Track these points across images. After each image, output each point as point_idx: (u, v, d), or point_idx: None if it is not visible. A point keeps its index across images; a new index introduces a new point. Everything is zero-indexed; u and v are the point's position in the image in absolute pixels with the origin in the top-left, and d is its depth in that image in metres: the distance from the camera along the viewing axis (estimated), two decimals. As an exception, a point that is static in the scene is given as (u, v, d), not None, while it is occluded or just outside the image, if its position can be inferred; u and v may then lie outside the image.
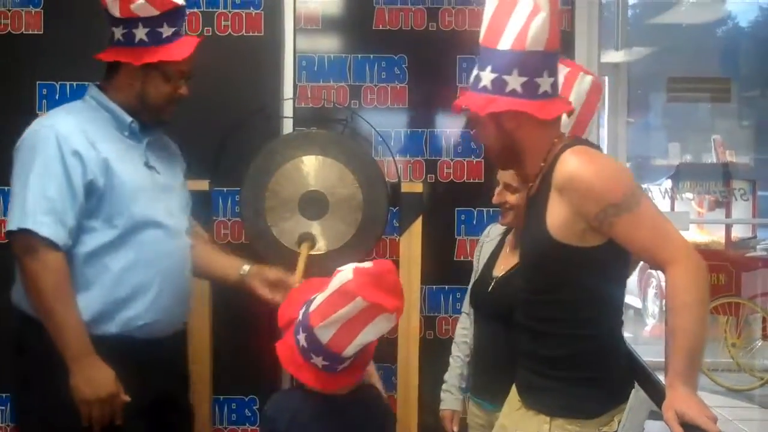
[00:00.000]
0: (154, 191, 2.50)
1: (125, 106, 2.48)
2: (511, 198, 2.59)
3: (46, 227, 2.26)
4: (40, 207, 2.27)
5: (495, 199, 2.68)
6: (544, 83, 2.04)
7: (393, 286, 2.23)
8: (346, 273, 2.23)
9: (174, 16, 2.47)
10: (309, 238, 3.01)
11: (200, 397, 3.09)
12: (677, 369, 1.85)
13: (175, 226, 2.55)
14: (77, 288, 2.35)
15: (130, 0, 2.39)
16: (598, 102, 2.63)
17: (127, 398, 2.34)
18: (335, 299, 2.22)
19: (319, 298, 2.25)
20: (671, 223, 1.93)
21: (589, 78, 2.49)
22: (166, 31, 2.46)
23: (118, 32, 2.44)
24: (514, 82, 2.01)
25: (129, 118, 2.48)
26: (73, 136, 2.34)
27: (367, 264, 2.26)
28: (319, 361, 2.27)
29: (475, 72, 2.10)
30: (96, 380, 2.30)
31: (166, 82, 2.48)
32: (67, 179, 2.31)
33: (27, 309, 2.38)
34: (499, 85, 2.03)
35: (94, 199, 2.36)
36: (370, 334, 2.23)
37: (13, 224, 2.29)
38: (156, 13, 2.41)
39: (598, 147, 2.10)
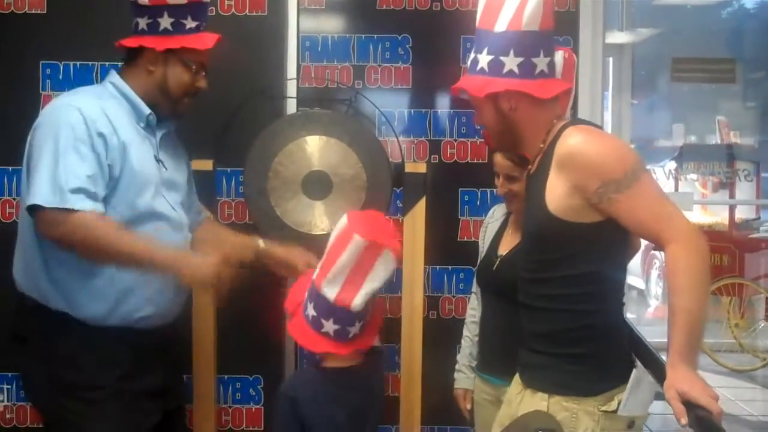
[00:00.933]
0: (160, 185, 2.51)
1: (144, 96, 2.50)
2: (515, 186, 2.61)
3: (80, 203, 2.25)
4: (73, 183, 2.25)
5: (499, 192, 2.71)
6: (541, 63, 2.05)
7: (387, 228, 2.36)
8: (341, 220, 2.34)
9: (199, 9, 2.53)
10: None
11: (205, 377, 3.11)
12: (678, 348, 1.85)
13: (177, 219, 2.57)
14: (81, 277, 2.37)
15: None
16: (572, 77, 2.61)
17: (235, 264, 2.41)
18: (335, 249, 2.31)
19: (321, 261, 2.32)
20: (673, 202, 1.93)
21: (560, 53, 2.46)
22: (190, 23, 2.51)
23: (142, 22, 2.48)
24: (511, 62, 2.02)
25: (147, 110, 2.50)
26: (99, 119, 2.35)
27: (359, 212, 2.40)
28: (330, 326, 2.33)
29: (472, 55, 2.12)
30: (200, 267, 2.36)
31: (186, 72, 2.52)
32: (96, 158, 2.31)
33: (31, 294, 2.41)
34: (496, 67, 2.04)
35: (110, 180, 2.37)
36: (375, 280, 2.29)
37: (41, 199, 2.24)
38: (183, 1, 2.46)
39: (599, 127, 2.11)
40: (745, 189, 7.01)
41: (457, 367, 2.99)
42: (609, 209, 1.93)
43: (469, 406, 2.93)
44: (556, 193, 1.98)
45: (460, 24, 3.48)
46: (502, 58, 2.02)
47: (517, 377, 2.24)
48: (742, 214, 7.13)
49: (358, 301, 2.30)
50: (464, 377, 2.96)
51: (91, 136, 2.31)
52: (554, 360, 2.08)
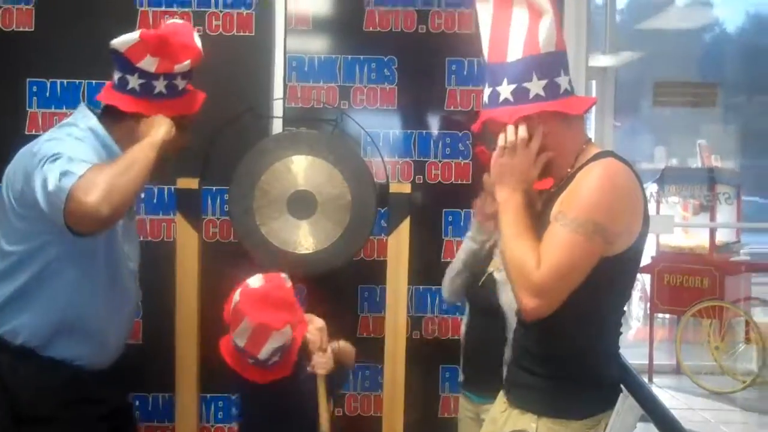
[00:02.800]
0: (114, 232, 2.50)
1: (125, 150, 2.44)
2: None
3: (78, 167, 2.21)
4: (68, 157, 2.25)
5: (488, 210, 2.64)
6: (563, 82, 2.03)
7: (281, 302, 2.49)
8: (236, 294, 2.51)
9: (191, 71, 2.54)
10: None
11: (187, 395, 3.10)
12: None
13: (131, 269, 2.61)
14: (23, 305, 2.37)
15: (175, 60, 2.45)
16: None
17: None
18: (233, 317, 2.50)
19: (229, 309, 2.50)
20: (571, 276, 1.91)
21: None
22: (181, 83, 2.53)
23: (133, 81, 2.45)
24: (536, 86, 2.00)
25: (117, 149, 2.47)
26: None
27: (257, 281, 2.53)
28: (248, 358, 2.54)
29: (488, 90, 2.08)
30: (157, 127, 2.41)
31: (180, 134, 2.52)
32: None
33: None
34: (521, 94, 2.01)
35: None
36: (273, 344, 2.48)
37: (63, 184, 2.17)
38: (188, 68, 2.48)
39: (627, 162, 2.03)
40: (725, 212, 7.07)
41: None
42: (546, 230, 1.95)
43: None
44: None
45: (445, 46, 3.51)
46: (525, 84, 2.00)
47: (501, 395, 2.25)
48: (722, 237, 7.18)
49: (264, 355, 2.49)
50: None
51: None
52: (546, 381, 2.08)
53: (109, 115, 2.51)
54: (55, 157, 2.23)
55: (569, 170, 2.05)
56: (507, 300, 2.64)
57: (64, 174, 2.18)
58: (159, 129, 2.41)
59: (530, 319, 1.97)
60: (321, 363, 2.65)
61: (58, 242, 2.34)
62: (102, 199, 2.15)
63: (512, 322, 2.59)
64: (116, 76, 2.49)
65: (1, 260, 2.38)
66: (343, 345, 2.80)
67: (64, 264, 2.38)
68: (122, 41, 2.42)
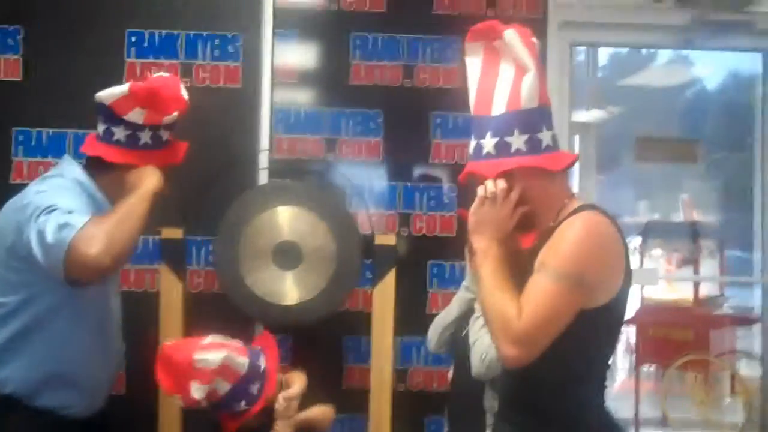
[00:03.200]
0: (104, 283, 2.50)
1: (114, 199, 2.46)
2: None
3: (76, 219, 2.22)
4: (60, 209, 2.25)
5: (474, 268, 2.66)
6: (545, 137, 2.05)
7: (174, 369, 2.48)
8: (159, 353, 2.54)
9: (175, 123, 2.58)
10: None
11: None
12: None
13: (115, 319, 2.64)
14: (13, 355, 2.37)
15: (164, 112, 2.49)
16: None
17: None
18: None
19: None
20: (551, 325, 1.91)
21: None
22: (165, 134, 2.56)
23: (119, 132, 2.48)
24: (517, 141, 2.02)
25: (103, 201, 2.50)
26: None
27: (187, 343, 2.55)
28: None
29: (473, 142, 2.10)
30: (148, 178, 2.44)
31: (165, 183, 2.52)
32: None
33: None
34: (502, 148, 2.03)
35: None
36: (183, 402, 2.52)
37: (62, 236, 2.19)
38: (175, 120, 2.52)
39: (613, 219, 2.04)
40: (709, 266, 7.09)
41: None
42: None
43: None
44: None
45: (430, 100, 3.56)
46: (507, 138, 2.02)
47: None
48: (706, 290, 7.18)
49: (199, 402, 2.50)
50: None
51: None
52: None
53: (94, 166, 2.52)
54: (49, 209, 2.24)
55: (552, 224, 2.07)
56: (475, 351, 2.64)
57: (63, 226, 2.19)
58: (150, 179, 2.44)
59: (510, 367, 1.97)
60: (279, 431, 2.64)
61: (50, 293, 2.34)
62: (103, 250, 2.18)
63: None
64: (101, 127, 2.51)
65: None
66: (317, 412, 2.76)
67: (55, 314, 2.37)
68: (109, 94, 2.45)
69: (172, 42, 3.50)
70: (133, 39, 3.49)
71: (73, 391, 2.44)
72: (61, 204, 2.27)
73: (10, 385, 2.36)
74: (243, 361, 2.54)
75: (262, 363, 2.61)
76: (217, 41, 3.51)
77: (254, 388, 2.58)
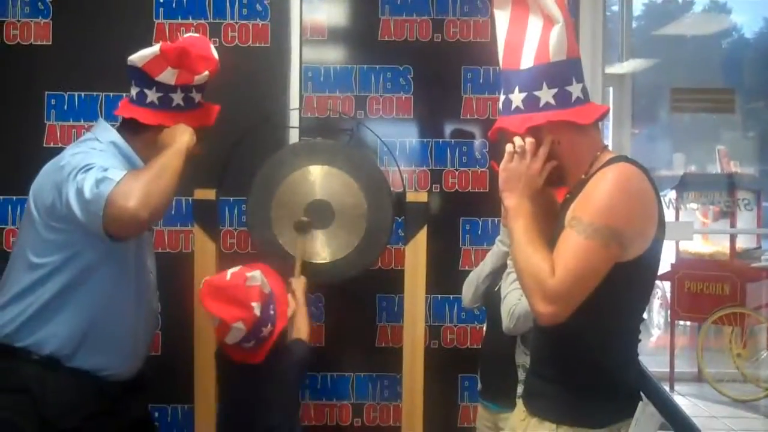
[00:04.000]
0: (141, 243, 2.58)
1: (147, 162, 2.49)
2: None
3: (113, 174, 2.29)
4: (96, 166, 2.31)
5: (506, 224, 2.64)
6: (575, 90, 2.03)
7: (236, 297, 2.58)
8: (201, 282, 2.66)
9: (205, 84, 2.61)
10: (304, 227, 3.08)
11: (206, 406, 3.10)
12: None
13: (152, 280, 2.67)
14: (52, 315, 2.40)
15: (195, 71, 2.52)
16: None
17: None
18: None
19: None
20: (585, 281, 1.89)
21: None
22: (197, 96, 2.61)
23: (152, 95, 2.53)
24: (546, 95, 2.01)
25: (139, 161, 2.54)
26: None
27: (222, 275, 2.65)
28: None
29: (502, 97, 2.09)
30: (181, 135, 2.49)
31: (196, 144, 2.56)
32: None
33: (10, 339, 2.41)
34: (531, 102, 2.02)
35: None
36: (234, 335, 2.62)
37: (101, 190, 2.24)
38: (206, 80, 2.56)
39: (646, 171, 2.00)
40: (745, 218, 7.01)
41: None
42: (560, 235, 1.94)
43: None
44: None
45: (460, 54, 3.51)
46: (535, 93, 2.01)
47: (520, 404, 2.23)
48: (743, 243, 7.11)
49: (229, 341, 2.64)
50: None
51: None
52: (564, 389, 2.06)
53: (128, 129, 2.57)
54: (87, 168, 2.30)
55: (583, 176, 2.04)
56: (504, 305, 2.64)
57: (100, 181, 2.25)
58: (182, 136, 2.49)
59: (545, 324, 1.96)
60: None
61: (90, 252, 2.39)
62: (141, 203, 2.24)
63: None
64: (134, 90, 2.56)
65: (30, 272, 2.41)
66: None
67: (94, 274, 2.42)
68: (141, 56, 2.50)
69: (200, 2, 3.48)
70: (161, 0, 3.47)
71: (111, 351, 2.48)
72: (97, 163, 2.32)
73: (49, 345, 2.39)
74: (266, 281, 2.70)
75: (267, 285, 2.74)
76: (245, 0, 3.49)
77: (271, 308, 2.69)
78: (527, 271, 1.96)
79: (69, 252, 2.39)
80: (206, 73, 2.55)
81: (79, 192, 2.25)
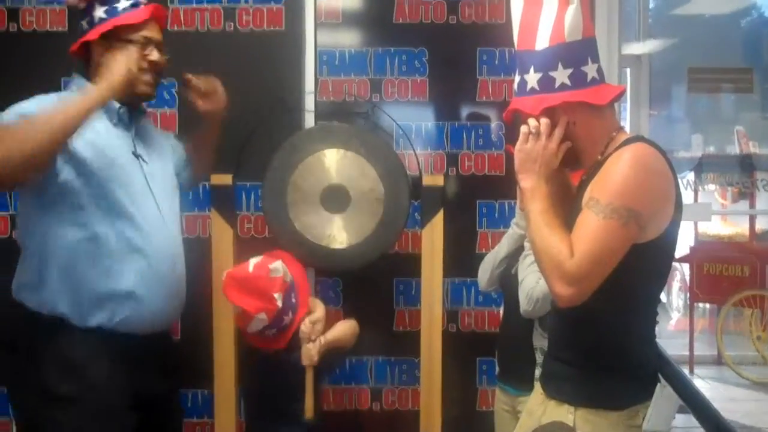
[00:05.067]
0: (141, 182, 2.49)
1: None
2: None
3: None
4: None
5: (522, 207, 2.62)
6: (591, 70, 2.02)
7: (258, 289, 2.64)
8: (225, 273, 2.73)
9: None
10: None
11: (226, 390, 3.12)
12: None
13: (159, 217, 2.52)
14: (58, 277, 2.36)
15: None
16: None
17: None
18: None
19: None
20: (605, 262, 1.89)
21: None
22: (123, 4, 2.50)
23: (84, 24, 2.51)
24: (561, 75, 2.00)
25: (117, 104, 2.47)
26: None
27: (245, 266, 2.71)
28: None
29: (517, 78, 2.08)
30: (112, 70, 2.37)
31: (131, 49, 2.47)
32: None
33: (27, 302, 2.39)
34: (547, 83, 2.01)
35: (82, 179, 2.34)
36: (256, 324, 2.71)
37: None
38: None
39: (663, 152, 1.99)
40: (765, 199, 6.95)
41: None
42: (578, 216, 1.93)
43: None
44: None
45: (476, 36, 3.49)
46: (551, 73, 2.00)
47: (538, 387, 2.23)
48: (762, 224, 7.06)
49: (251, 330, 2.75)
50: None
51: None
52: (582, 372, 2.06)
53: (86, 65, 2.55)
54: None
55: (599, 157, 2.03)
56: (522, 288, 2.63)
57: None
58: (112, 69, 2.38)
59: (564, 306, 1.95)
60: (307, 354, 2.77)
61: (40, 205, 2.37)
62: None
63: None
64: (85, 22, 2.53)
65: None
66: (340, 328, 2.86)
67: (74, 221, 2.37)
68: None
69: (214, -14, 3.48)
70: (176, -14, 3.47)
71: (120, 300, 2.40)
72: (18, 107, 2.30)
73: (52, 306, 2.37)
74: (287, 270, 2.74)
75: (289, 274, 2.77)
76: (258, -17, 3.49)
77: (293, 297, 2.70)
78: (545, 253, 1.95)
79: (30, 216, 2.41)
80: None
81: None
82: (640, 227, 1.90)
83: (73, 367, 2.35)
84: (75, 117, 2.23)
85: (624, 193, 1.88)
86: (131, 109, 2.53)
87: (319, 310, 2.90)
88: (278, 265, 2.68)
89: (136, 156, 2.51)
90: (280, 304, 2.64)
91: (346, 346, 2.89)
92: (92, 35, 2.47)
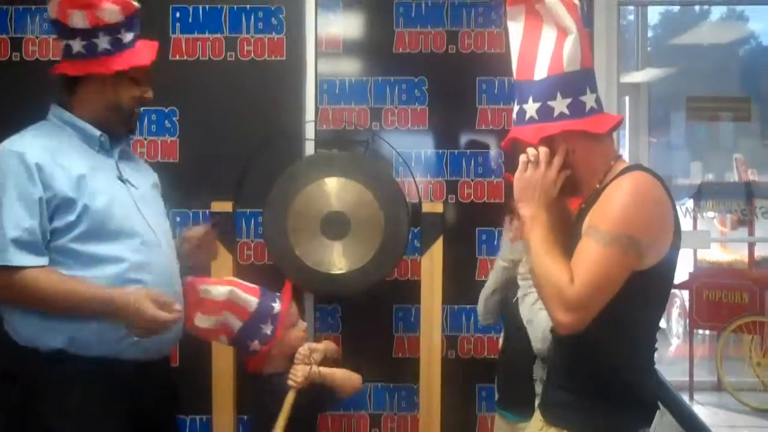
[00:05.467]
0: (131, 205, 2.43)
1: (92, 120, 2.40)
2: None
3: (26, 259, 2.22)
4: (12, 234, 2.22)
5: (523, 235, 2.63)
6: (589, 100, 2.03)
7: (186, 299, 2.58)
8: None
9: (132, 20, 2.45)
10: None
11: (225, 416, 3.12)
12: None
13: (155, 239, 2.46)
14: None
15: (97, 7, 2.36)
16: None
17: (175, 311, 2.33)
18: None
19: None
20: (604, 289, 1.89)
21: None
22: (126, 36, 2.43)
23: (76, 45, 2.37)
24: (560, 105, 2.01)
25: (98, 132, 2.40)
26: (42, 159, 2.28)
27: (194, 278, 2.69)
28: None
29: (516, 107, 2.09)
30: (136, 311, 2.26)
31: (135, 87, 2.45)
32: (38, 201, 2.26)
33: (18, 339, 2.33)
34: (545, 112, 2.02)
35: (71, 216, 2.29)
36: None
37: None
38: (121, 18, 2.40)
39: (661, 180, 2.00)
40: (764, 226, 6.95)
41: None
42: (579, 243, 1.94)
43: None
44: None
45: (475, 66, 3.53)
46: (550, 103, 2.01)
47: (538, 414, 2.23)
48: (761, 251, 7.06)
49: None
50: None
51: (34, 181, 2.26)
52: (581, 399, 2.05)
53: (66, 90, 2.44)
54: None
55: (598, 186, 2.05)
56: (534, 329, 2.64)
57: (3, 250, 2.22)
58: (128, 306, 2.28)
59: (564, 333, 1.96)
60: (293, 373, 2.71)
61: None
62: (16, 302, 2.26)
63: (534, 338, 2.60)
64: (61, 46, 2.43)
65: None
66: (341, 375, 2.80)
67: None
68: (51, 5, 2.37)
69: (216, 16, 3.51)
70: (178, 14, 3.51)
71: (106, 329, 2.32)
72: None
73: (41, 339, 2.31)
74: (251, 299, 2.70)
75: (277, 306, 2.74)
76: (260, 14, 3.52)
77: (267, 329, 2.70)
78: (546, 280, 1.96)
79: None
80: (113, 7, 2.37)
81: None
82: (640, 255, 1.91)
83: (71, 396, 2.30)
84: (84, 311, 2.27)
85: (624, 221, 1.90)
86: (111, 135, 2.46)
87: (325, 343, 2.90)
88: (214, 291, 2.68)
89: (123, 181, 2.45)
90: (200, 325, 2.67)
91: (341, 390, 2.82)
92: (105, 69, 2.38)
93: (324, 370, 2.74)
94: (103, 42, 2.39)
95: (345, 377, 2.80)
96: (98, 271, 2.32)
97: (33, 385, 2.32)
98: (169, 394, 2.62)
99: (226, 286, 2.69)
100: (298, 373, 2.71)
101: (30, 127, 2.43)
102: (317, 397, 2.73)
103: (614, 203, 1.92)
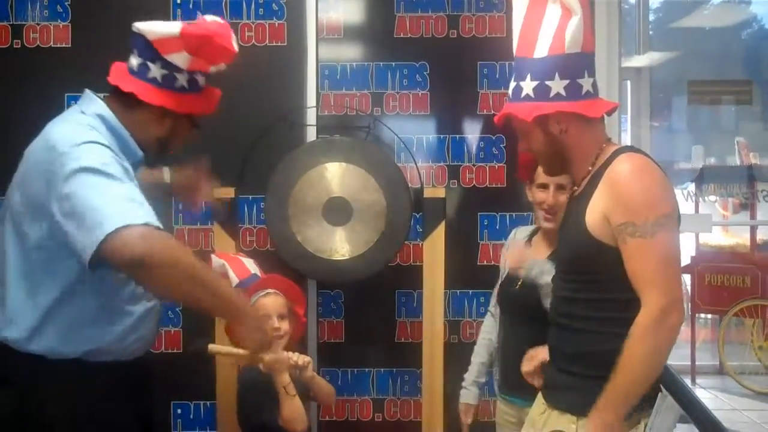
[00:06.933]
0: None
1: (138, 140, 2.28)
2: (563, 197, 2.55)
3: (144, 217, 1.99)
4: (141, 198, 2.06)
5: (549, 202, 2.61)
6: (586, 83, 2.05)
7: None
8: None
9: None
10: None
11: (228, 402, 3.12)
12: (609, 399, 1.95)
13: None
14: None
15: (212, 62, 2.34)
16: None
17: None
18: None
19: None
20: (675, 272, 1.95)
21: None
22: (201, 79, 2.38)
23: (156, 70, 2.28)
24: (557, 86, 2.03)
25: (140, 153, 2.30)
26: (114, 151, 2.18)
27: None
28: None
29: (513, 84, 2.11)
30: (261, 325, 2.28)
31: (191, 129, 2.41)
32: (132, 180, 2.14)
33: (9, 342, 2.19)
34: (542, 91, 2.04)
35: None
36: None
37: (114, 224, 1.93)
38: (222, 68, 2.37)
39: (649, 157, 2.05)
40: (766, 210, 6.95)
41: (463, 384, 2.97)
42: (621, 246, 1.94)
43: (470, 421, 2.95)
44: (596, 217, 1.99)
45: (476, 50, 3.52)
46: (547, 82, 2.03)
47: (540, 397, 2.24)
48: (763, 235, 7.06)
49: None
50: (468, 393, 2.96)
51: (125, 169, 2.13)
52: (584, 381, 2.07)
53: (120, 101, 2.29)
54: (112, 193, 2.02)
55: (590, 168, 2.07)
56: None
57: (136, 208, 2.00)
58: (256, 327, 2.26)
59: (679, 325, 1.96)
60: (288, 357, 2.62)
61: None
62: (154, 261, 1.95)
63: None
64: (135, 61, 2.31)
65: None
66: (320, 380, 2.82)
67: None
68: (153, 31, 2.27)
69: (216, 2, 3.50)
70: (179, 1, 3.50)
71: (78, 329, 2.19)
72: (98, 164, 2.05)
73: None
74: (233, 277, 2.77)
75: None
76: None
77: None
78: (644, 358, 1.94)
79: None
80: (223, 65, 2.38)
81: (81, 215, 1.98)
82: (678, 223, 1.98)
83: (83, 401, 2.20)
84: (215, 305, 2.17)
85: (652, 205, 1.93)
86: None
87: (296, 333, 2.85)
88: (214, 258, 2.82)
89: None
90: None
91: (316, 396, 2.82)
92: (179, 108, 2.30)
93: (308, 376, 2.69)
94: (182, 79, 2.32)
95: (323, 386, 2.81)
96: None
97: (30, 390, 2.20)
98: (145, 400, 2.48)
99: (220, 260, 2.78)
100: (294, 357, 2.65)
101: (71, 117, 2.30)
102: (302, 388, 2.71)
103: (632, 192, 1.95)
